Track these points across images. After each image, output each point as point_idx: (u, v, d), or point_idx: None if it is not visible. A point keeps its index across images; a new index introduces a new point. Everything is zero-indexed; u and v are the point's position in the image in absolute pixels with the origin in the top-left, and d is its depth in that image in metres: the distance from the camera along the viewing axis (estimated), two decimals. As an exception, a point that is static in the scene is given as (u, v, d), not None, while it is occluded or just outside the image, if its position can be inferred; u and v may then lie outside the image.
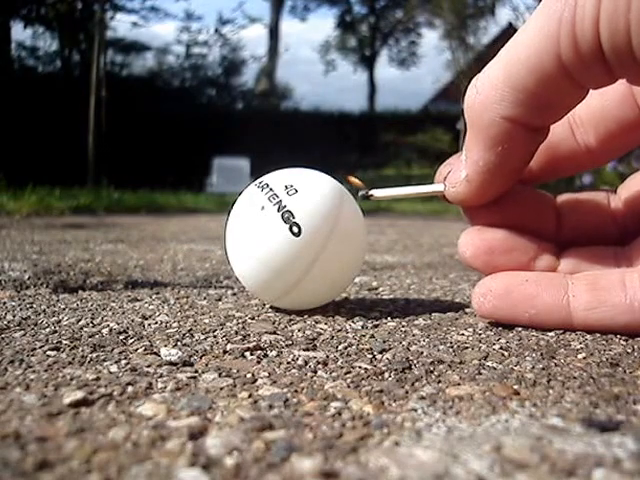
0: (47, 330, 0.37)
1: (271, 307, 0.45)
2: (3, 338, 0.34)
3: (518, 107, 0.33)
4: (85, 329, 0.37)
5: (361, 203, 0.43)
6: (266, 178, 0.41)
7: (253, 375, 0.28)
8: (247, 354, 0.32)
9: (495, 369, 0.30)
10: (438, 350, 0.33)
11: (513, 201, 0.40)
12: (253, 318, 0.41)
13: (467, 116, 0.35)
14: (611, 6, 0.28)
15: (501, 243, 0.39)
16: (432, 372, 0.29)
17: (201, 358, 0.31)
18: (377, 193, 0.42)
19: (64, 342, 0.33)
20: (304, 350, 0.33)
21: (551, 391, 0.26)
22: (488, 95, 0.34)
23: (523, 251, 0.39)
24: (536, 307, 0.37)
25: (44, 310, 0.43)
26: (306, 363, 0.30)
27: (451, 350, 0.33)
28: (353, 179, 0.43)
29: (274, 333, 0.37)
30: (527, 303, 0.37)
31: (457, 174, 0.38)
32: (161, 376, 0.27)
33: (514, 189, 0.39)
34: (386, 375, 0.28)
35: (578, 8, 0.29)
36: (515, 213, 0.40)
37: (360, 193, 0.42)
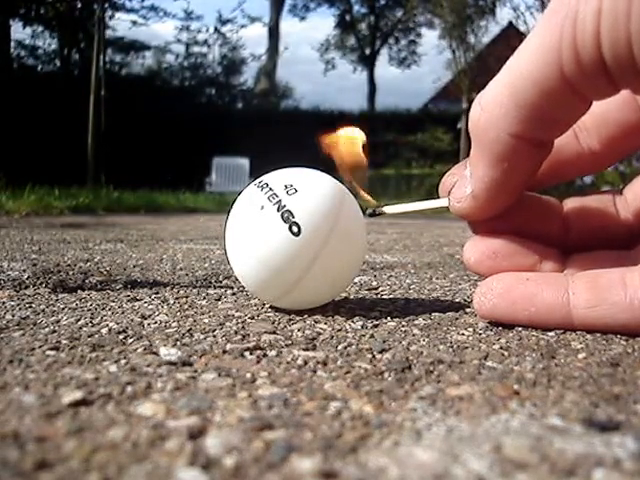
0: (46, 330, 0.36)
1: (271, 307, 0.45)
2: (2, 338, 0.34)
3: (523, 123, 0.33)
4: (84, 329, 0.37)
5: (360, 202, 0.43)
6: (266, 178, 0.41)
7: (252, 375, 0.28)
8: (246, 354, 0.32)
9: (495, 369, 0.30)
10: (438, 350, 0.33)
11: (518, 209, 0.40)
12: (253, 318, 0.41)
13: (472, 133, 0.35)
14: (611, 17, 0.28)
15: (505, 248, 0.39)
16: (432, 372, 0.29)
17: (200, 358, 0.31)
18: (387, 210, 0.43)
19: (63, 342, 0.33)
20: (304, 350, 0.33)
21: (551, 391, 0.26)
22: (492, 112, 0.34)
23: (527, 256, 0.39)
24: (536, 305, 0.37)
25: (43, 310, 0.43)
26: (306, 363, 0.30)
27: (451, 350, 0.33)
28: (366, 197, 0.43)
29: (274, 333, 0.37)
30: (527, 301, 0.37)
31: (462, 189, 0.38)
32: (160, 376, 0.27)
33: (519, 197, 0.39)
34: (386, 375, 0.28)
35: (578, 20, 0.29)
36: (520, 221, 0.40)
37: (368, 211, 0.43)
